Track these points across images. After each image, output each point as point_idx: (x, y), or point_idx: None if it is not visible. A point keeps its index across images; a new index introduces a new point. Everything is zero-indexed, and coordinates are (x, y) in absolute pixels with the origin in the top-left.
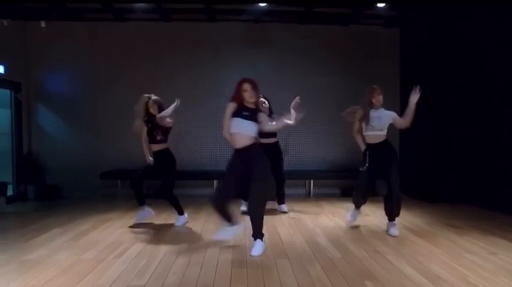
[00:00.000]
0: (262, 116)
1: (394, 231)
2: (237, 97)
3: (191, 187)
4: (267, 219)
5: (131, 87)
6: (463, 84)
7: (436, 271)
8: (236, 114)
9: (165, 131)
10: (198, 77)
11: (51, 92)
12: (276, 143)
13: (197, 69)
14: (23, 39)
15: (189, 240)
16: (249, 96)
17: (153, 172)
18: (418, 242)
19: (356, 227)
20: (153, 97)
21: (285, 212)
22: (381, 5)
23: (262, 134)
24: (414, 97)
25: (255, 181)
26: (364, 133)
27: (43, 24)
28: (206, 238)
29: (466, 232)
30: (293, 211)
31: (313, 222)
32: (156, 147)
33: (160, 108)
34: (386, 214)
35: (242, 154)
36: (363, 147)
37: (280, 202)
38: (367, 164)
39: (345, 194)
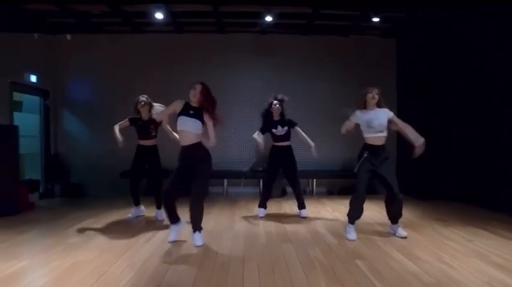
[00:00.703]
0: (207, 117)
1: (402, 232)
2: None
3: None
4: (273, 213)
5: (147, 93)
6: (460, 86)
7: (417, 254)
8: (182, 112)
9: (157, 128)
10: (208, 84)
11: (75, 98)
12: (288, 147)
13: (207, 76)
14: (51, 51)
15: (206, 228)
16: (192, 95)
17: (143, 167)
18: (407, 233)
19: None
20: (142, 98)
21: (305, 217)
22: (376, 19)
23: (275, 137)
24: (418, 150)
25: (198, 177)
26: (365, 135)
27: (69, 37)
28: (221, 227)
29: (451, 224)
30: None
31: (314, 215)
32: (150, 142)
33: (150, 110)
34: (390, 217)
35: (188, 151)
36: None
37: (300, 206)
38: (358, 166)
39: (343, 192)
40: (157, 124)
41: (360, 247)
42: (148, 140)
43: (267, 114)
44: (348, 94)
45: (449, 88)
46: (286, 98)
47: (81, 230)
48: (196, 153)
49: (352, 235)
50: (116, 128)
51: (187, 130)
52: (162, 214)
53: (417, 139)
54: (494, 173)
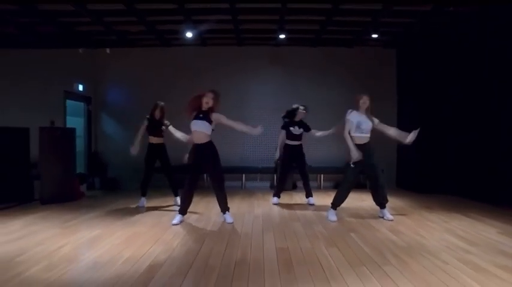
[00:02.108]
0: (214, 115)
1: (389, 216)
2: (194, 104)
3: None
4: (285, 202)
5: (173, 99)
6: (457, 91)
7: (399, 229)
8: (194, 117)
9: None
10: (227, 89)
11: (111, 103)
12: (300, 145)
13: (227, 83)
14: (93, 62)
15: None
16: (205, 101)
17: (154, 162)
18: (396, 217)
19: (351, 206)
20: (160, 103)
21: (312, 205)
22: (374, 35)
23: (291, 136)
24: (411, 137)
25: (214, 171)
26: (352, 134)
27: (108, 50)
28: (242, 211)
29: (436, 211)
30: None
31: (320, 203)
32: (159, 140)
33: (162, 112)
34: (377, 203)
35: (200, 148)
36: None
37: (308, 195)
38: (352, 164)
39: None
40: (163, 125)
41: (354, 224)
42: (158, 138)
43: (291, 115)
44: (353, 99)
45: (446, 93)
46: (308, 110)
47: (129, 213)
48: (207, 150)
49: (333, 216)
50: (139, 135)
51: (199, 131)
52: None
53: (401, 135)
54: (481, 169)
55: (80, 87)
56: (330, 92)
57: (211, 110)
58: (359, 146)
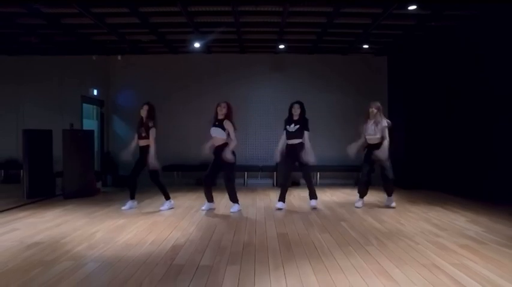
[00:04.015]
0: (226, 123)
1: (392, 203)
2: (214, 113)
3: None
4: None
5: (180, 102)
6: (444, 93)
7: (383, 219)
8: (212, 125)
9: (147, 130)
10: (230, 93)
11: (123, 106)
12: (299, 145)
13: (230, 88)
14: (105, 68)
15: (244, 204)
16: (219, 110)
17: (140, 164)
18: (383, 209)
19: (343, 202)
20: (147, 103)
21: (314, 208)
22: (366, 46)
23: (286, 135)
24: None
25: (225, 169)
26: (366, 136)
27: (119, 57)
28: (246, 204)
29: (418, 204)
30: (304, 193)
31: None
32: (142, 143)
33: (150, 112)
34: (386, 192)
35: (217, 149)
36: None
37: (311, 197)
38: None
39: (343, 184)
40: (148, 127)
41: (344, 215)
42: (143, 140)
43: (289, 113)
44: (348, 103)
45: (433, 95)
46: (303, 106)
47: (145, 206)
48: (221, 152)
49: (359, 203)
50: (134, 141)
51: (215, 136)
52: (168, 204)
53: (382, 151)
54: (463, 167)
55: (95, 92)
56: (327, 96)
57: (226, 117)
58: (370, 145)
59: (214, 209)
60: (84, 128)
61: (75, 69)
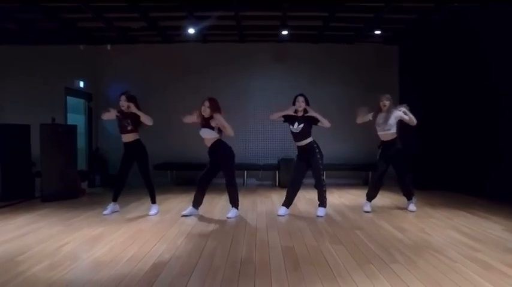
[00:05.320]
0: (214, 121)
1: (412, 207)
2: (199, 113)
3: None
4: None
5: (175, 95)
6: (459, 86)
7: (403, 226)
8: (201, 125)
9: (136, 121)
10: (229, 86)
11: (113, 99)
12: (307, 145)
13: (227, 81)
14: (93, 59)
15: (243, 208)
16: (202, 110)
17: (129, 163)
18: (398, 212)
19: (354, 204)
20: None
21: (321, 217)
22: (377, 32)
23: (295, 137)
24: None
25: (225, 169)
26: (378, 133)
27: (108, 47)
28: (246, 208)
29: (439, 208)
30: (310, 194)
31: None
32: (129, 137)
33: (131, 102)
34: (404, 194)
35: (211, 149)
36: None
37: (320, 204)
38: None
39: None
40: (133, 117)
41: (358, 221)
42: (127, 135)
43: (293, 108)
44: (353, 95)
45: (449, 90)
46: (307, 99)
47: (132, 210)
48: (216, 150)
49: (367, 207)
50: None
51: (205, 137)
52: (155, 209)
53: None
54: (480, 166)
55: (81, 84)
56: (333, 89)
57: (212, 114)
58: (383, 142)
59: (196, 214)
60: (70, 123)
61: (61, 60)
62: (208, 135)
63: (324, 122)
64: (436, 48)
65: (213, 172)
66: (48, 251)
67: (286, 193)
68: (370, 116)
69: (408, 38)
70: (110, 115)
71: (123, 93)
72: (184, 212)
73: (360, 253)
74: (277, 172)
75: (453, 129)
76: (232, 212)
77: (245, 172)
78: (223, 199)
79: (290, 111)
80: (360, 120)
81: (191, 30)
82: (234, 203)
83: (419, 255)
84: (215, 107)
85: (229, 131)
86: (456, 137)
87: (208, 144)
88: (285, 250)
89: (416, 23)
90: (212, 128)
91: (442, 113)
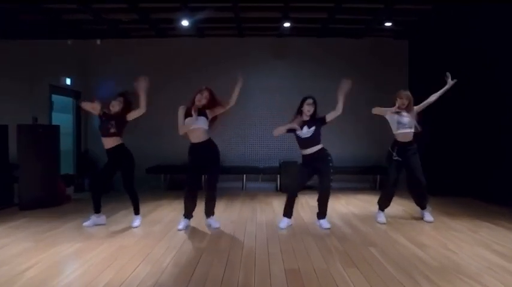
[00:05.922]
0: (213, 111)
1: (428, 217)
2: (191, 103)
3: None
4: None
5: (171, 93)
6: (471, 85)
7: (423, 241)
8: (188, 115)
9: (120, 124)
10: (227, 84)
11: (104, 98)
12: (319, 151)
13: (225, 77)
14: (82, 55)
15: (231, 218)
16: (197, 99)
17: (112, 170)
18: (414, 222)
19: (363, 213)
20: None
21: (328, 228)
22: (388, 24)
23: (298, 143)
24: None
25: (215, 170)
26: (395, 132)
27: (98, 41)
28: (244, 218)
29: (458, 217)
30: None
31: (330, 209)
32: (111, 142)
33: (124, 104)
34: (417, 203)
35: (198, 146)
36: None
37: (319, 216)
38: (395, 158)
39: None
40: (119, 120)
41: (371, 235)
42: (110, 138)
43: (299, 111)
44: (361, 93)
45: (460, 88)
46: (316, 102)
47: (119, 220)
48: (210, 149)
49: (381, 218)
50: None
51: (199, 127)
52: (138, 220)
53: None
54: (501, 171)
55: (68, 81)
56: (336, 85)
57: (207, 106)
58: (400, 143)
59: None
60: (56, 123)
61: (45, 56)
62: (203, 125)
63: (339, 109)
64: (452, 43)
65: (201, 175)
66: (6, 278)
67: (286, 203)
68: (388, 111)
69: (420, 32)
70: (91, 107)
71: (120, 95)
72: (179, 227)
73: (376, 276)
74: (278, 175)
75: (467, 131)
76: (216, 223)
77: (244, 176)
78: (217, 208)
79: (296, 124)
80: (376, 111)
81: (185, 22)
82: (212, 211)
83: (448, 280)
84: (213, 96)
85: (234, 96)
86: (470, 139)
87: (197, 139)
88: (289, 273)
89: (430, 15)
90: (207, 118)
91: (455, 114)
